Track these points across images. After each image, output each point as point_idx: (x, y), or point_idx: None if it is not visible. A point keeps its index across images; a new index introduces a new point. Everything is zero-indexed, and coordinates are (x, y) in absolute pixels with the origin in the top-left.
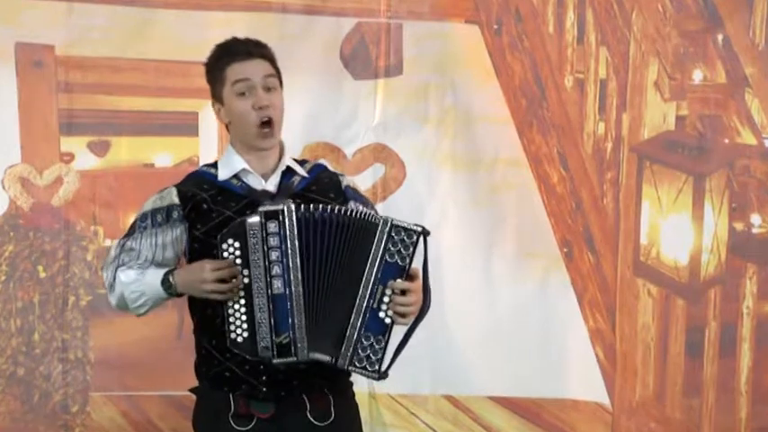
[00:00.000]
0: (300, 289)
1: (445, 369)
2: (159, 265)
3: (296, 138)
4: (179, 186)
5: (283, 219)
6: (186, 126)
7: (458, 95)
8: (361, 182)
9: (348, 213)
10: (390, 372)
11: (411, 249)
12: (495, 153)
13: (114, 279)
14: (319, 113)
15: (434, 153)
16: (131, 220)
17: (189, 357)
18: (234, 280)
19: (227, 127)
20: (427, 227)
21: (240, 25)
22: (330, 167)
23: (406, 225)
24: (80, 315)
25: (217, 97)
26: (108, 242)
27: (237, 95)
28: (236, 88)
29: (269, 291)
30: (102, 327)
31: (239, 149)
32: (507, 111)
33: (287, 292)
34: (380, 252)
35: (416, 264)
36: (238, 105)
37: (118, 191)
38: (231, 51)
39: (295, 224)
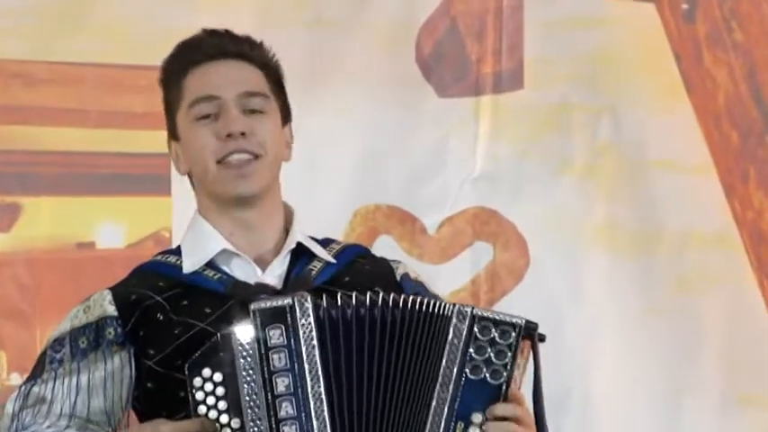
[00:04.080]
0: None
1: None
2: (84, 426)
3: (339, 198)
4: (116, 289)
5: (294, 321)
6: (151, 178)
7: (621, 124)
8: (453, 273)
9: (402, 304)
10: None
11: (508, 357)
12: (684, 223)
13: None
14: (380, 156)
15: (580, 224)
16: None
17: None
18: None
19: (191, 181)
20: (570, 348)
21: (249, 6)
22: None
23: (497, 317)
24: None
25: (171, 131)
26: (15, 377)
27: (195, 121)
28: (195, 111)
29: None
30: None
31: (213, 218)
32: (706, 151)
33: None
34: (457, 363)
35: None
36: (197, 135)
37: (32, 289)
38: (192, 51)
39: (314, 329)
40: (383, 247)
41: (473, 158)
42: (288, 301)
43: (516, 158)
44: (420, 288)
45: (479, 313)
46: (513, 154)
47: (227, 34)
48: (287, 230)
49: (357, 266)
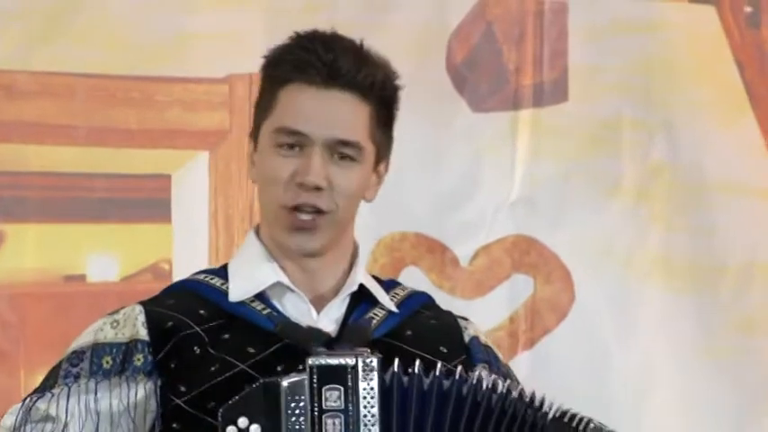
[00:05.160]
0: None
1: None
2: None
3: (360, 224)
4: (150, 308)
5: (355, 384)
6: (148, 203)
7: (677, 142)
8: (488, 309)
9: (501, 390)
10: None
11: None
12: (749, 254)
13: None
14: (405, 177)
15: (631, 254)
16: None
17: None
18: None
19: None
20: (618, 396)
21: (255, 8)
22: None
23: (598, 426)
24: None
25: (254, 133)
26: None
27: (275, 148)
28: (278, 138)
29: None
30: None
31: (271, 245)
32: None
33: None
34: None
35: None
36: (274, 164)
37: (16, 327)
38: (299, 62)
39: (378, 396)
40: (410, 280)
41: (510, 180)
42: (351, 360)
43: (559, 180)
44: (491, 357)
45: (596, 424)
46: (555, 175)
47: (347, 51)
48: (350, 268)
49: (421, 319)
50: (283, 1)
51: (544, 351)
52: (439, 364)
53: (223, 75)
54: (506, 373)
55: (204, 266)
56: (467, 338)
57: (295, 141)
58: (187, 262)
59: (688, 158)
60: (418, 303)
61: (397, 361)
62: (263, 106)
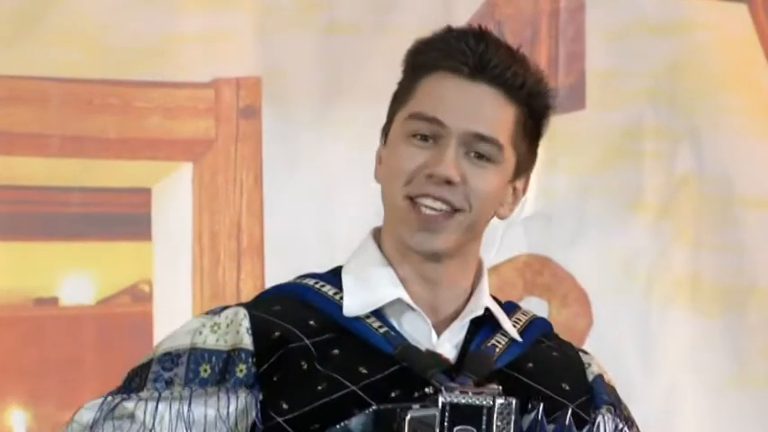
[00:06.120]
0: None
1: None
2: None
3: (359, 238)
4: (255, 313)
5: (489, 427)
6: (127, 219)
7: (703, 152)
8: None
9: None
10: None
11: None
12: None
13: None
14: None
15: (654, 274)
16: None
17: None
18: None
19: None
20: (642, 428)
21: (248, 6)
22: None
23: None
24: None
25: (386, 126)
26: None
27: (407, 137)
28: (412, 125)
29: None
30: None
31: (392, 253)
32: None
33: None
34: None
35: None
36: (403, 154)
37: None
38: (446, 48)
39: None
40: None
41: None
42: (487, 401)
43: (576, 194)
44: (614, 400)
45: None
46: (572, 188)
47: (500, 46)
48: (473, 288)
49: (543, 350)
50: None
51: None
52: (569, 412)
53: (208, 79)
54: (628, 417)
55: (188, 288)
56: (590, 376)
57: (429, 132)
58: (169, 283)
59: (716, 170)
60: (539, 331)
61: (540, 407)
62: (401, 95)
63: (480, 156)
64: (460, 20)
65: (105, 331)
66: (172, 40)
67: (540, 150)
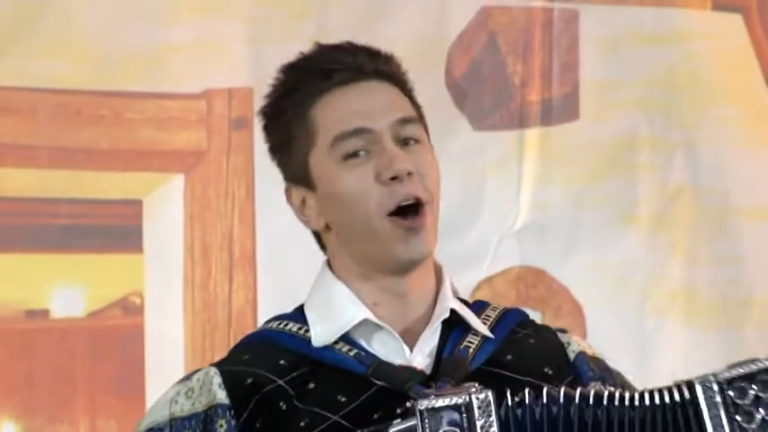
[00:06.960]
0: None
1: None
2: None
3: None
4: (224, 367)
5: (471, 425)
6: (118, 231)
7: (699, 163)
8: None
9: (619, 400)
10: None
11: None
12: None
13: None
14: None
15: (649, 287)
16: None
17: None
18: None
19: (318, 239)
20: None
21: (238, 16)
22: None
23: (745, 370)
24: None
25: (293, 176)
26: None
27: (342, 162)
28: (340, 149)
29: None
30: None
31: (352, 280)
32: None
33: None
34: None
35: None
36: (348, 181)
37: None
38: (320, 71)
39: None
40: None
41: (516, 206)
42: (464, 398)
43: (570, 206)
44: (604, 371)
45: (724, 377)
46: (565, 200)
47: (360, 48)
48: (437, 293)
49: (519, 340)
50: (266, 9)
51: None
52: (545, 389)
53: (199, 90)
54: (623, 383)
55: (179, 300)
56: (572, 355)
57: (360, 146)
58: (160, 295)
59: (711, 181)
60: (512, 322)
61: (509, 393)
62: (296, 139)
63: (410, 140)
64: (453, 30)
65: (96, 343)
66: (163, 52)
67: (534, 161)
